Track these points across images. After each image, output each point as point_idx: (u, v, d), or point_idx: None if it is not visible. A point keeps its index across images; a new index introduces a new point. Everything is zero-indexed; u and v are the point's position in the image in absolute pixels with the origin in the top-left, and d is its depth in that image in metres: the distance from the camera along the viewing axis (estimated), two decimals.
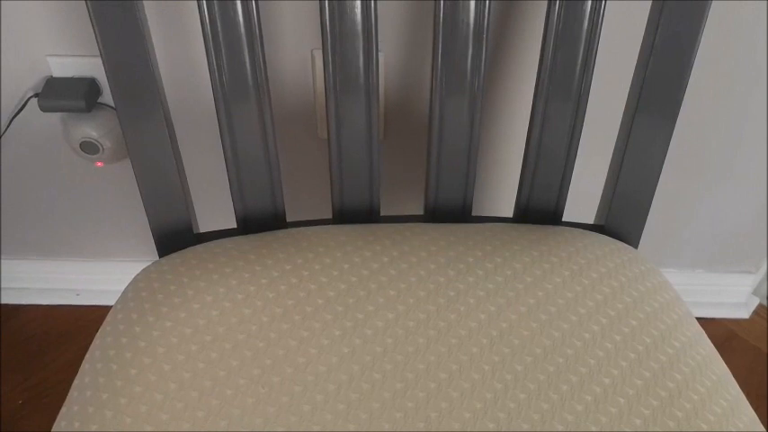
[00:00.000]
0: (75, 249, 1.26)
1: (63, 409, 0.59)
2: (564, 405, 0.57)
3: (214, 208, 1.08)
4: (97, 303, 1.32)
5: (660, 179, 0.73)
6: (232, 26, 0.63)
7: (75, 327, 1.29)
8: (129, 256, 1.27)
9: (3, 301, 1.33)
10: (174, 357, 0.59)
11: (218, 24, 0.62)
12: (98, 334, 0.65)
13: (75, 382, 0.61)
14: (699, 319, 0.78)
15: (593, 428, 0.55)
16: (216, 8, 0.62)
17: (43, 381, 1.20)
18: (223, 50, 0.64)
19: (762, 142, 1.06)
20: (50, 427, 1.09)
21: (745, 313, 1.37)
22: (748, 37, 0.93)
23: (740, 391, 0.63)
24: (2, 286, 1.32)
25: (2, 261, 1.28)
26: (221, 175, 1.06)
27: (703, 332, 0.67)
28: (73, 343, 1.26)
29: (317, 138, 1.03)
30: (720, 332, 1.34)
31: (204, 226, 0.78)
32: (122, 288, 0.71)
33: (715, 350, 0.66)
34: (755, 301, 1.37)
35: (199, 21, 0.62)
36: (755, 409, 0.63)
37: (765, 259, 1.29)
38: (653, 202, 0.76)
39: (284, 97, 0.98)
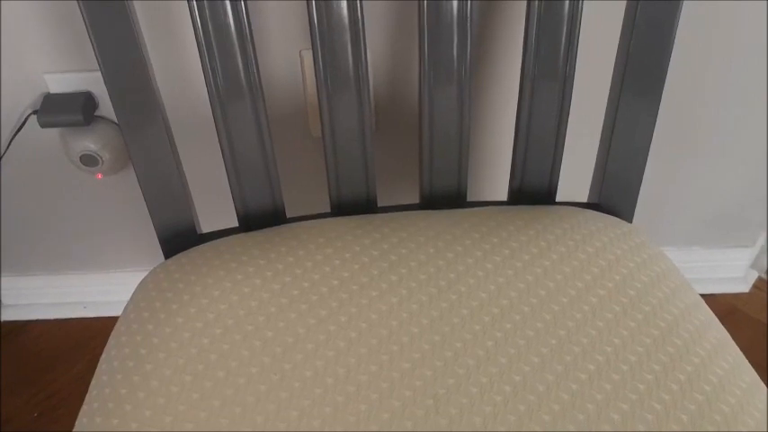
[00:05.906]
0: (80, 262, 1.27)
1: (84, 407, 0.61)
2: (568, 375, 0.58)
3: (214, 210, 1.09)
4: (104, 315, 1.34)
5: (652, 157, 0.75)
6: (223, 29, 0.64)
7: (84, 339, 1.30)
8: (133, 266, 1.28)
9: (10, 318, 1.34)
10: (187, 351, 0.61)
11: (210, 28, 0.64)
12: (112, 334, 0.66)
13: (93, 381, 0.63)
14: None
15: (599, 397, 0.57)
16: (207, 12, 0.63)
17: (57, 392, 1.21)
18: (216, 53, 0.65)
19: (753, 115, 1.08)
20: None
21: (744, 287, 1.38)
22: (734, 9, 0.94)
23: (740, 353, 0.64)
24: (9, 303, 1.33)
25: (8, 278, 1.30)
26: (219, 178, 1.08)
27: (700, 299, 0.69)
28: (83, 354, 1.27)
29: (310, 137, 1.05)
30: (721, 307, 1.35)
31: (206, 227, 0.79)
32: (128, 298, 0.72)
33: (713, 315, 0.67)
34: (754, 275, 1.38)
35: (190, 27, 0.63)
36: None
37: (763, 232, 1.30)
38: (647, 180, 0.77)
39: (275, 99, 1.00)
